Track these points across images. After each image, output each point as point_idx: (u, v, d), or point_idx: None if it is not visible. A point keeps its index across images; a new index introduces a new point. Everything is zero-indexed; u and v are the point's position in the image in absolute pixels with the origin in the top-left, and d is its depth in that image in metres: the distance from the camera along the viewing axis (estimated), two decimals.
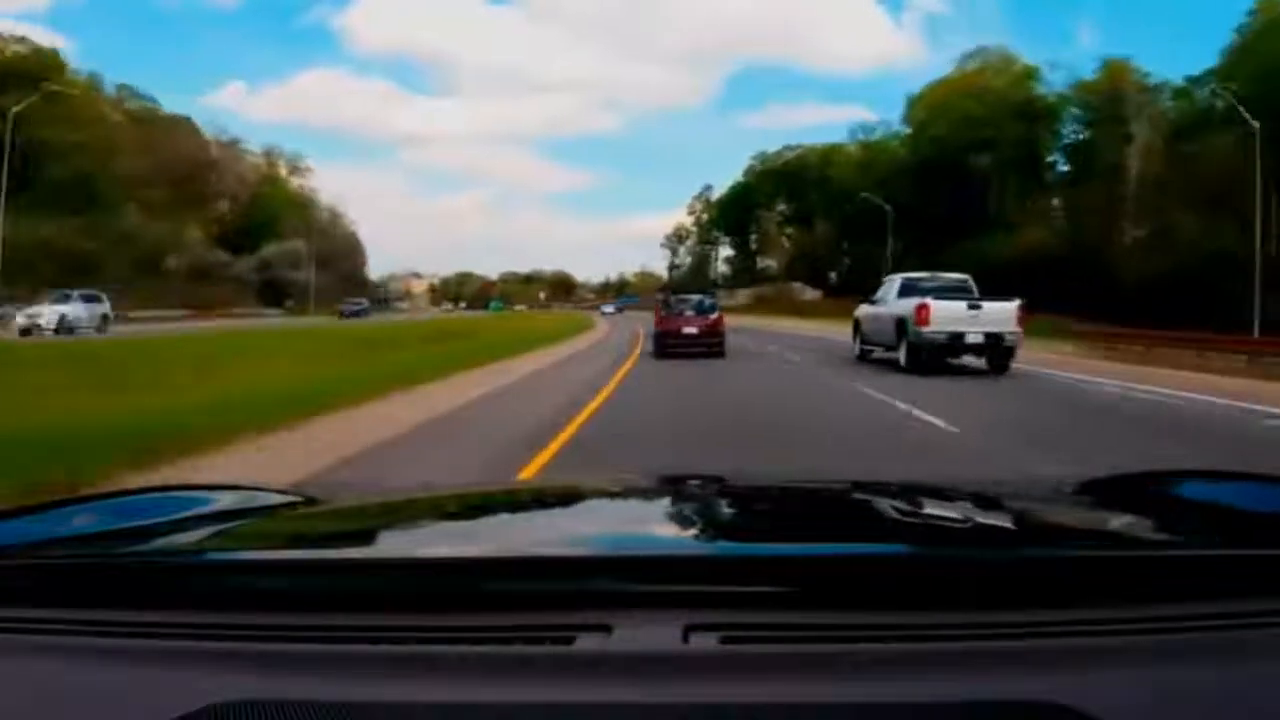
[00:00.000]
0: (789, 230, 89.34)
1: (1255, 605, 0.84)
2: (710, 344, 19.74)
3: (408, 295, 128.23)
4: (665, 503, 1.56)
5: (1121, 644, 0.79)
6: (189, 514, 1.27)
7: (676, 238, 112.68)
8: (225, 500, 1.40)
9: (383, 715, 0.74)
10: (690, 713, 0.72)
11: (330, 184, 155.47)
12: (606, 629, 0.81)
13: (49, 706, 0.79)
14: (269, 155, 78.25)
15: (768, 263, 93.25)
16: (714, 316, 20.52)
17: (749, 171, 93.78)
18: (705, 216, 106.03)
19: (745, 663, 0.78)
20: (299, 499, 1.46)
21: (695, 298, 22.21)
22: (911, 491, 1.57)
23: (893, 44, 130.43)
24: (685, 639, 0.80)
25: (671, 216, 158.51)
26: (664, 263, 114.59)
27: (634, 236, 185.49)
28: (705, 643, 0.80)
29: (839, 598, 0.85)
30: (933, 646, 0.79)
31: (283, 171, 79.27)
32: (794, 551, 1.03)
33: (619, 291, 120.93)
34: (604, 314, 77.61)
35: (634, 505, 1.55)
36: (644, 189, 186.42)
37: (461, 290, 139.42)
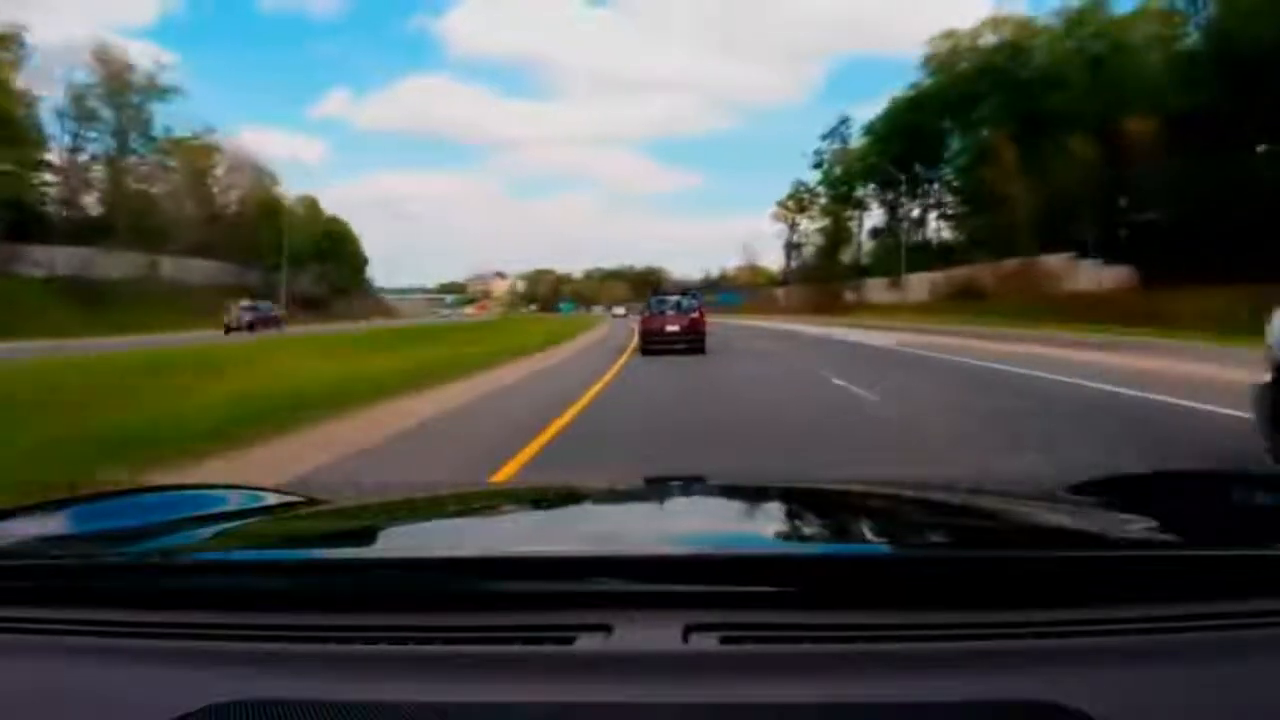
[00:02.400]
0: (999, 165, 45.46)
1: (1255, 605, 0.84)
2: (690, 341, 20.66)
3: (487, 295, 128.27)
4: (665, 503, 1.56)
5: (1121, 644, 0.79)
6: (189, 514, 1.27)
7: (796, 205, 78.53)
8: (225, 500, 1.40)
9: (383, 715, 0.74)
10: (690, 713, 0.72)
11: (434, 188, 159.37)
12: (606, 629, 0.81)
13: (49, 706, 0.79)
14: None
15: (943, 233, 61.57)
16: (694, 315, 21.52)
17: (927, 75, 57.92)
18: (838, 169, 71.57)
19: (745, 663, 0.78)
20: (299, 499, 1.46)
21: (675, 298, 23.11)
22: (911, 492, 1.57)
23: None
24: (685, 639, 0.80)
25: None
26: (776, 250, 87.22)
27: (738, 235, 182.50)
28: (705, 643, 0.80)
29: (839, 598, 0.85)
30: (933, 646, 0.79)
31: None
32: (794, 551, 1.03)
33: (715, 287, 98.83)
34: (614, 316, 70.37)
35: (634, 505, 1.55)
36: (745, 188, 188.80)
37: (536, 290, 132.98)
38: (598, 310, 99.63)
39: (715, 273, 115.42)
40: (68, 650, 0.84)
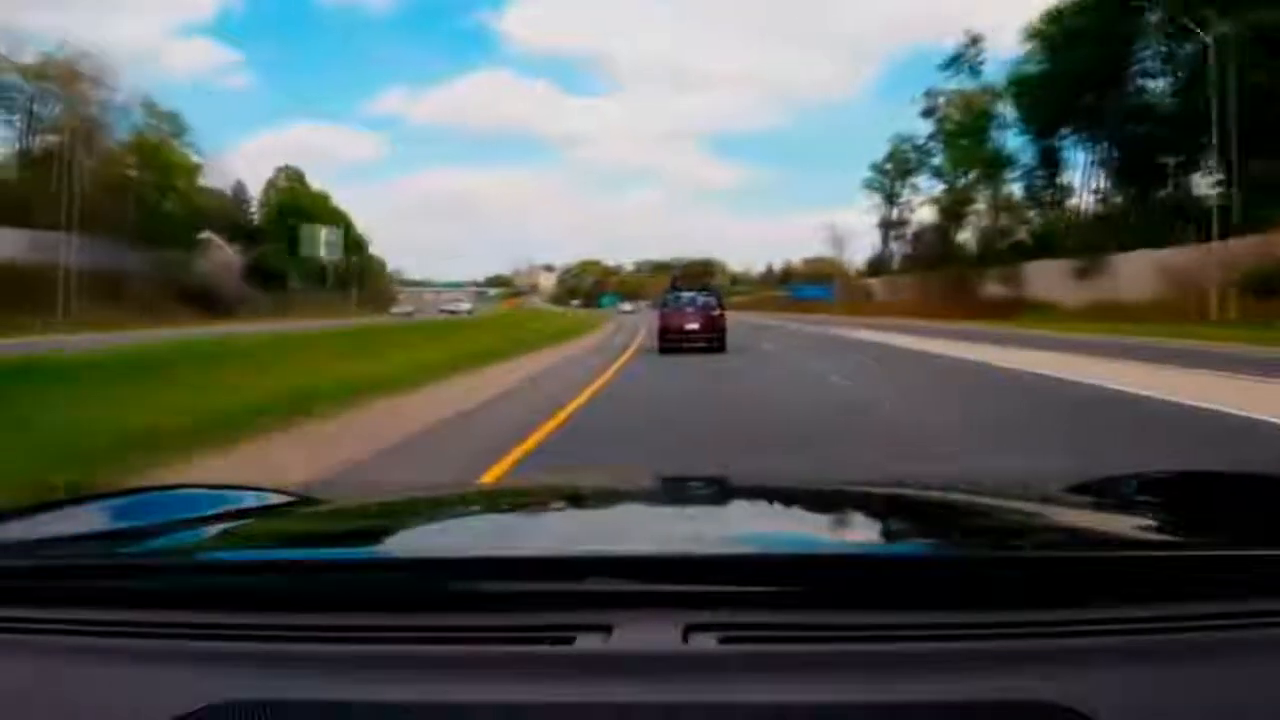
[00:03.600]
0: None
1: (1255, 605, 0.84)
2: (710, 339, 20.10)
3: (534, 289, 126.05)
4: (665, 502, 1.56)
5: (1121, 644, 0.79)
6: (189, 514, 1.27)
7: (897, 170, 58.21)
8: (225, 500, 1.40)
9: (383, 715, 0.74)
10: (690, 713, 0.72)
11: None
12: (606, 629, 0.81)
13: (49, 706, 0.79)
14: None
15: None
16: (714, 312, 20.75)
17: None
18: (948, 118, 52.72)
19: (745, 663, 0.78)
20: (299, 499, 1.46)
21: (692, 293, 22.12)
22: (911, 492, 1.58)
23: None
24: (685, 639, 0.80)
25: (837, 211, 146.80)
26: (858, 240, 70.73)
27: (798, 230, 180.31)
28: (705, 643, 0.80)
29: (839, 598, 0.85)
30: (933, 646, 0.79)
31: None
32: (794, 551, 1.03)
33: (783, 280, 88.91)
34: (620, 313, 65.80)
35: (634, 505, 1.55)
36: (807, 182, 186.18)
37: (578, 284, 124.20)
38: (626, 307, 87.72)
39: (779, 266, 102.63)
40: (68, 650, 0.84)
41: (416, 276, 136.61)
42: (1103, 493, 1.41)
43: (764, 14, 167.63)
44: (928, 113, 55.98)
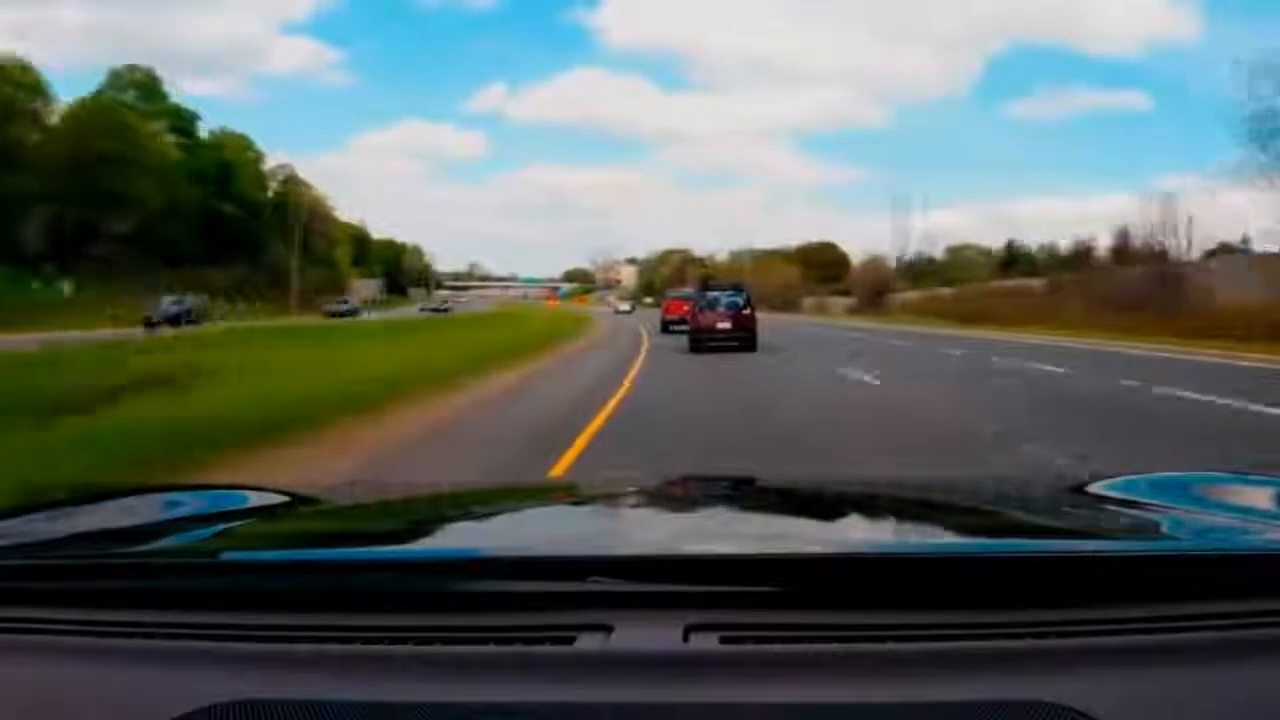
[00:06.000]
0: None
1: (1255, 605, 0.84)
2: (742, 338, 20.48)
3: (617, 284, 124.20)
4: (666, 503, 1.56)
5: (1121, 644, 0.79)
6: (189, 514, 1.28)
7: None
8: (225, 500, 1.40)
9: (383, 715, 0.74)
10: (690, 713, 0.72)
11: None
12: (607, 629, 0.81)
13: (49, 706, 0.79)
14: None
15: None
16: (745, 311, 21.19)
17: None
18: None
19: (745, 663, 0.78)
20: (299, 499, 1.46)
21: (722, 295, 22.32)
22: (911, 491, 1.57)
23: (1169, 20, 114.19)
24: (685, 639, 0.80)
25: (939, 214, 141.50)
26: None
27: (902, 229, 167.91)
28: (705, 643, 0.80)
29: (839, 598, 0.85)
30: (933, 646, 0.79)
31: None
32: (794, 551, 1.03)
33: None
34: (617, 313, 63.69)
35: (635, 505, 1.55)
36: (907, 182, 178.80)
37: (655, 276, 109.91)
38: (624, 307, 75.82)
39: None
40: (68, 650, 0.84)
41: (501, 272, 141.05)
42: (1103, 493, 1.40)
43: (862, 9, 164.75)
44: None
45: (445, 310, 66.11)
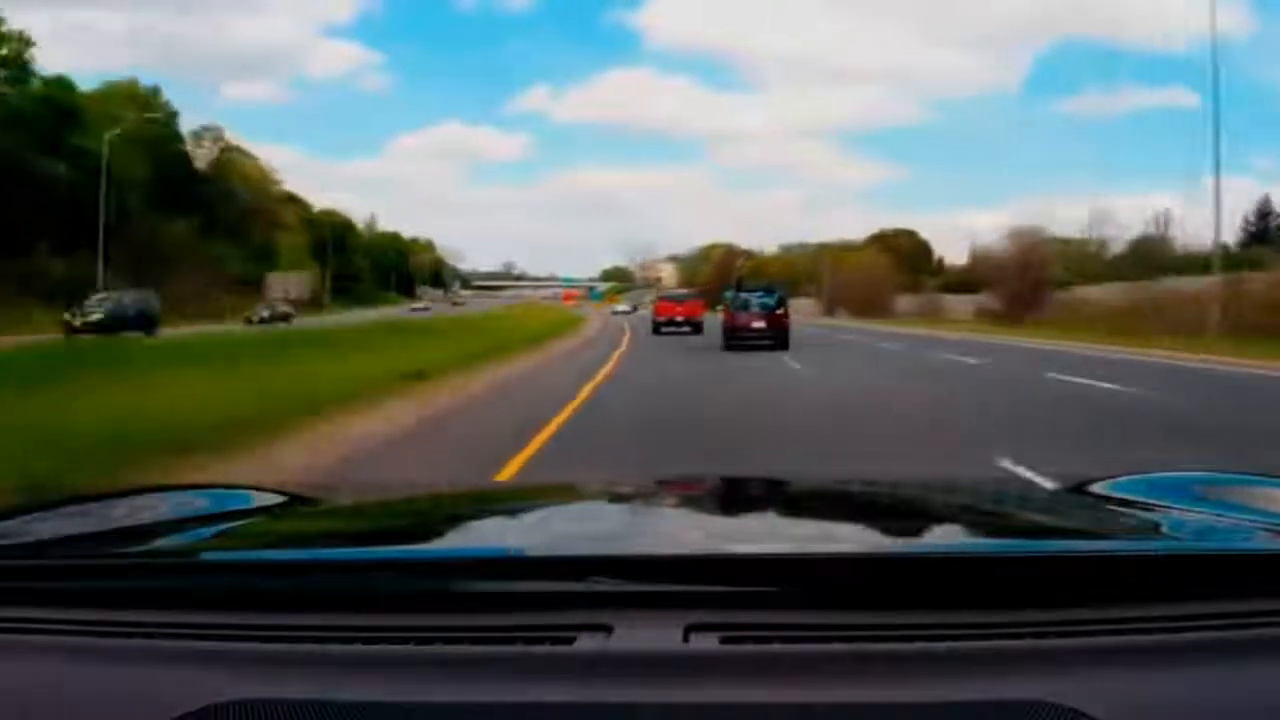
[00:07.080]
0: None
1: (1255, 605, 0.84)
2: (775, 337, 21.05)
3: (658, 283, 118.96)
4: (666, 503, 1.56)
5: (1121, 644, 0.80)
6: (189, 514, 1.27)
7: None
8: (225, 500, 1.40)
9: (383, 715, 0.74)
10: (690, 713, 0.72)
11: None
12: (607, 629, 0.81)
13: (49, 706, 0.78)
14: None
15: None
16: (778, 311, 21.68)
17: None
18: None
19: (745, 663, 0.78)
20: (298, 499, 1.46)
21: (754, 296, 22.70)
22: (912, 492, 1.58)
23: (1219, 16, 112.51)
24: (685, 639, 0.80)
25: (988, 214, 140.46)
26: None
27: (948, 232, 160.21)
28: (705, 643, 0.80)
29: (839, 598, 0.85)
30: (933, 646, 0.79)
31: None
32: (794, 551, 1.03)
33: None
34: (614, 313, 62.14)
35: (634, 505, 1.54)
36: (951, 183, 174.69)
37: (695, 275, 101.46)
38: (622, 307, 70.65)
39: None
40: (68, 650, 0.84)
41: (539, 273, 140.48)
42: (1103, 493, 1.40)
43: (907, 8, 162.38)
44: None
45: (425, 311, 64.00)
